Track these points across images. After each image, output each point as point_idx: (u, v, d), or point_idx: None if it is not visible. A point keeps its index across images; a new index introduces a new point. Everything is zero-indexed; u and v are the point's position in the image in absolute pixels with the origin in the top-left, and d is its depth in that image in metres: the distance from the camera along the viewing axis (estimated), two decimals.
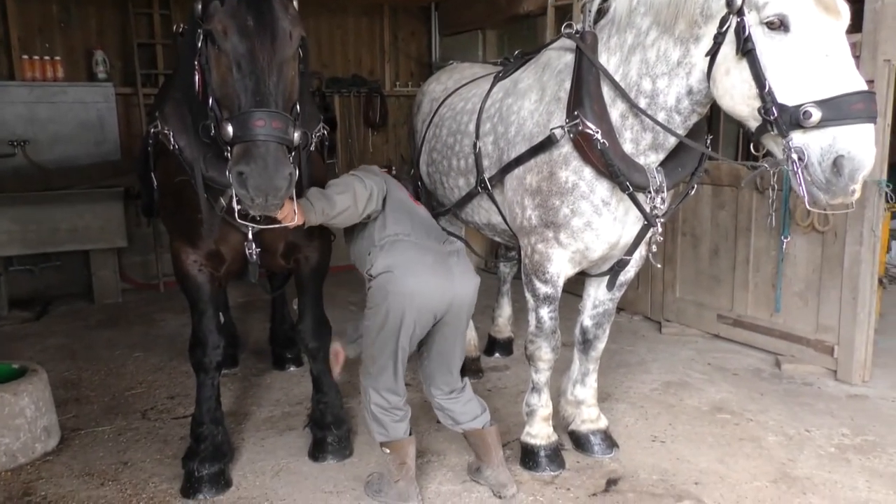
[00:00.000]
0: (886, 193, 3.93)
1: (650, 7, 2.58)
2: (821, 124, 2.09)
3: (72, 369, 4.57)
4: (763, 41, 2.21)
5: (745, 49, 2.23)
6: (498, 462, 2.95)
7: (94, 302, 6.21)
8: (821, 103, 2.09)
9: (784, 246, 4.38)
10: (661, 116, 2.64)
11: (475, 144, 3.25)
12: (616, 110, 2.72)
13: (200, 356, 3.08)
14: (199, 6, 2.31)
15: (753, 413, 3.78)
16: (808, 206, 2.24)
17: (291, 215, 2.49)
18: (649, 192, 2.73)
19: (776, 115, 2.17)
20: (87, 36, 6.79)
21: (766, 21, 2.19)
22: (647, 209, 2.78)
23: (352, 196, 2.71)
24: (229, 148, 2.25)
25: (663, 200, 2.78)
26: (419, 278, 2.65)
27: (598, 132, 2.65)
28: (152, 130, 2.90)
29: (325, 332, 3.33)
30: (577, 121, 2.67)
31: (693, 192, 3.04)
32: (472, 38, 7.68)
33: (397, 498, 2.87)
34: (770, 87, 2.19)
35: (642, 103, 2.65)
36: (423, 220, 2.95)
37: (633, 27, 2.66)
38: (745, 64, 2.26)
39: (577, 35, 2.78)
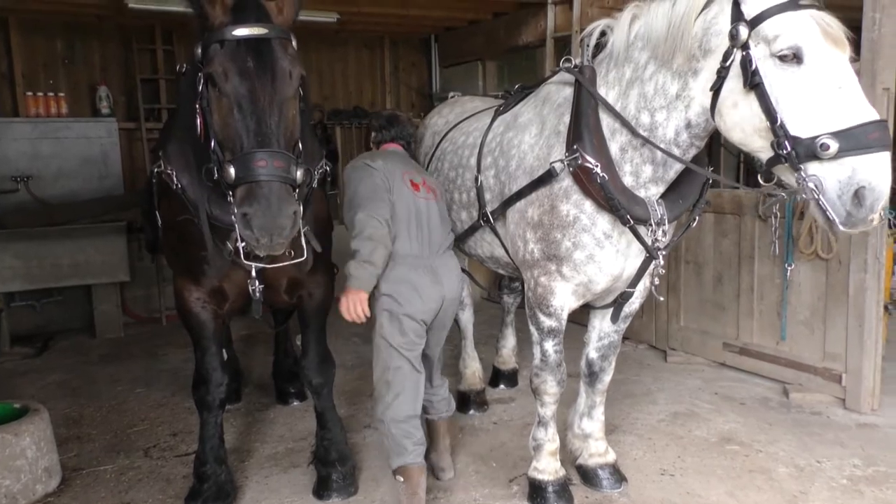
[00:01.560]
0: (889, 220, 3.92)
1: (647, 41, 2.60)
2: (838, 155, 2.09)
3: (73, 406, 4.53)
4: (773, 74, 2.21)
5: (753, 82, 2.23)
6: (443, 449, 3.40)
7: (95, 336, 6.18)
8: (837, 134, 2.08)
9: (788, 274, 4.37)
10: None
11: (477, 178, 3.26)
12: (615, 143, 2.73)
13: (204, 394, 3.06)
14: (200, 50, 2.33)
15: (762, 444, 3.73)
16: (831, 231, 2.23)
17: (301, 251, 2.48)
18: (650, 224, 2.73)
19: (790, 147, 2.17)
20: (90, 72, 6.89)
21: (777, 54, 2.20)
22: (649, 242, 2.77)
23: (384, 250, 2.90)
24: (232, 191, 2.25)
25: (665, 233, 2.77)
26: (419, 299, 2.98)
27: (597, 166, 2.66)
28: (156, 170, 2.91)
29: (329, 367, 3.32)
30: (577, 154, 2.68)
31: (695, 224, 3.04)
32: (471, 69, 7.77)
33: None
34: (782, 121, 2.19)
35: None
36: (421, 222, 3.08)
37: (630, 61, 2.68)
38: (753, 97, 2.25)
39: (576, 69, 2.80)
